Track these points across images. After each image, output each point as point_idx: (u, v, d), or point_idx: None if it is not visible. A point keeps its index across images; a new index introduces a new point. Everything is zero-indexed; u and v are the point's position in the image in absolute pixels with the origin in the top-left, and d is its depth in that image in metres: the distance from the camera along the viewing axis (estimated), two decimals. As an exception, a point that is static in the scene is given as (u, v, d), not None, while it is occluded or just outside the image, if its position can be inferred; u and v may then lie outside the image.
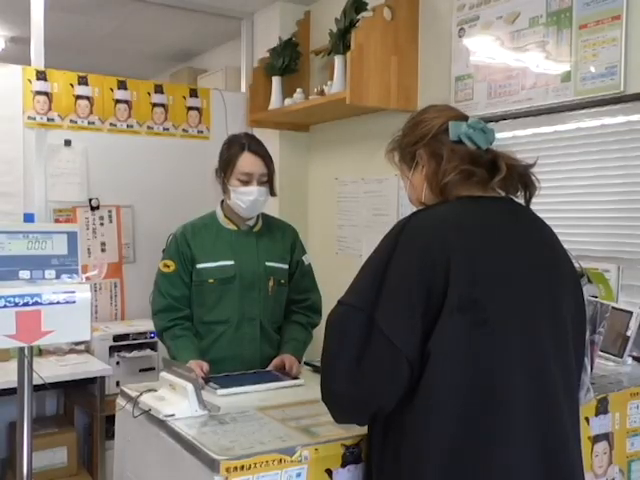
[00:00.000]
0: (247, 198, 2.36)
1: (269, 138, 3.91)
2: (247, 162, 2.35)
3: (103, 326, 3.56)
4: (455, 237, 1.33)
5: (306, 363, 2.43)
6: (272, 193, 2.43)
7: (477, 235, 1.36)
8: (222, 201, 2.50)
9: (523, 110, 2.81)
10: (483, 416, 1.28)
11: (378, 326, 1.30)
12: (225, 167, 2.39)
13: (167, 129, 3.96)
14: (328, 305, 1.46)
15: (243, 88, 4.33)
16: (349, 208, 3.80)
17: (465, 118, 1.51)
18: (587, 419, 1.84)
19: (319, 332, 1.45)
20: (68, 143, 3.65)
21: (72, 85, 3.66)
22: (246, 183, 2.36)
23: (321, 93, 3.55)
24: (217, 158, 2.45)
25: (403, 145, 1.55)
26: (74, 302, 1.74)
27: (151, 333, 3.49)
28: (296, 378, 2.21)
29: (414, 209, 1.50)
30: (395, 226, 1.40)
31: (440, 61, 3.19)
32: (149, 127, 3.90)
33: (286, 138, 4.11)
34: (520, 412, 1.30)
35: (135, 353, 3.46)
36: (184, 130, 4.01)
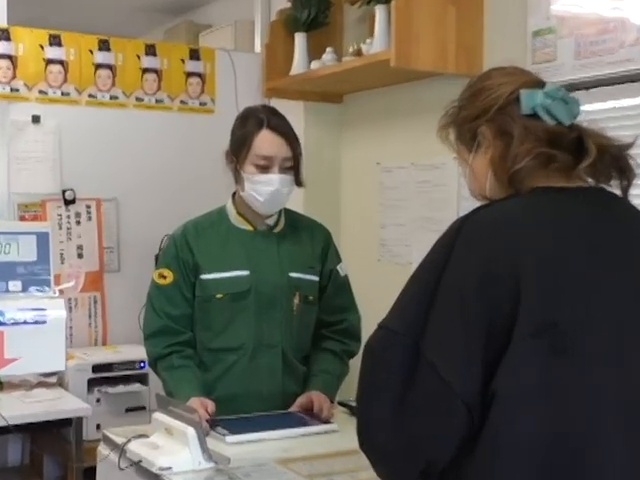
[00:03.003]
0: (266, 189, 2.36)
1: (291, 112, 3.87)
2: (266, 143, 2.36)
3: (80, 353, 3.58)
4: (528, 242, 1.32)
5: (340, 403, 2.43)
6: (298, 183, 2.43)
7: (557, 239, 1.35)
8: (234, 193, 2.51)
9: (621, 74, 2.77)
10: (566, 474, 1.26)
11: (426, 358, 1.30)
12: (238, 149, 2.39)
13: (161, 101, 3.98)
14: (368, 328, 1.45)
15: (257, 48, 4.34)
16: (395, 202, 3.79)
17: (541, 84, 1.49)
18: None
19: (358, 362, 1.45)
20: (36, 119, 3.69)
21: (42, 46, 3.69)
22: (265, 169, 2.36)
23: (358, 53, 3.54)
24: (226, 137, 2.46)
25: (460, 120, 1.54)
26: (45, 322, 1.75)
27: (141, 362, 3.50)
28: (328, 422, 2.20)
29: (478, 203, 1.49)
30: (450, 227, 1.40)
31: (512, 11, 3.17)
32: (138, 99, 3.92)
33: (313, 112, 4.11)
34: (617, 473, 1.28)
35: (121, 388, 3.48)
36: (182, 102, 4.03)
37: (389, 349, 1.35)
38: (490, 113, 1.48)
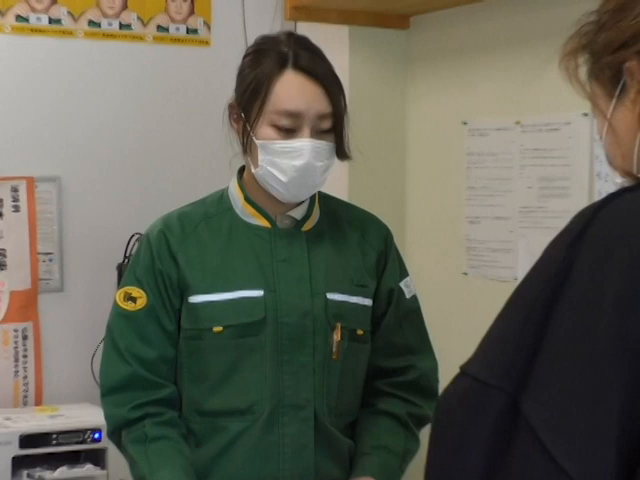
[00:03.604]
0: (291, 163, 2.36)
1: (330, 43, 3.88)
2: (292, 91, 2.37)
3: (0, 417, 3.61)
4: None
5: (406, 496, 2.43)
6: (340, 154, 2.44)
7: None
8: (241, 169, 2.53)
9: None
10: None
11: (529, 424, 1.29)
12: (249, 102, 2.40)
13: (127, 26, 4.02)
14: (447, 376, 1.46)
15: (276, -56, 4.36)
16: (491, 183, 3.78)
17: None
18: None
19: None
20: None
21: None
22: (290, 133, 2.37)
23: (434, -48, 3.54)
24: (230, 83, 2.48)
25: (598, 46, 1.51)
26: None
27: (95, 432, 3.52)
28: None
29: (619, 182, 1.50)
30: (572, 223, 1.38)
31: None
32: (92, 23, 3.96)
33: (363, 43, 4.12)
34: None
35: (63, 472, 3.50)
36: (161, 28, 4.07)
37: (475, 406, 1.35)
38: None
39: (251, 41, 2.59)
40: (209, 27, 4.13)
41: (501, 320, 1.40)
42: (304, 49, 2.43)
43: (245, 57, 2.49)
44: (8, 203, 3.84)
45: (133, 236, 3.51)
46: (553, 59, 1.59)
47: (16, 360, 3.85)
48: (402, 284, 2.57)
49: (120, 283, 2.57)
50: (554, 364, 1.31)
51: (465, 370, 1.38)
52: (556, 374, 1.31)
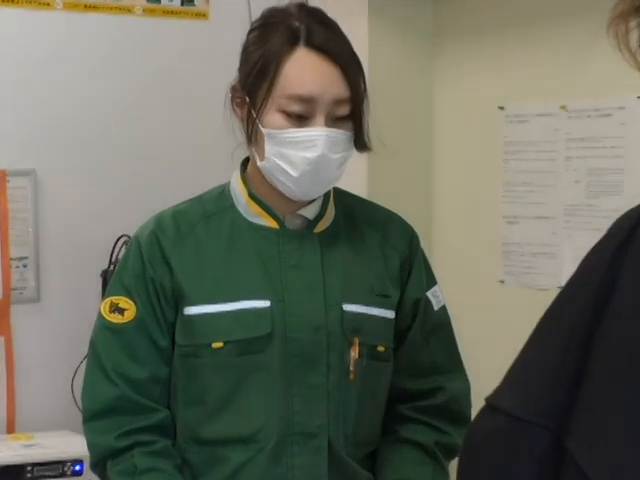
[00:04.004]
0: (303, 155, 2.37)
1: (347, 16, 3.89)
2: (305, 72, 2.37)
3: (-32, 446, 3.64)
4: None
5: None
6: (359, 144, 2.44)
7: None
8: (245, 162, 2.54)
9: None
10: None
11: (581, 471, 1.28)
12: (254, 84, 2.41)
13: (113, -3, 4.04)
14: (480, 400, 1.46)
15: None
16: (532, 178, 3.79)
17: None
18: None
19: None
20: None
21: None
22: (302, 120, 2.37)
23: None
24: (232, 63, 2.50)
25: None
26: None
27: (76, 463, 3.53)
28: None
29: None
30: (617, 227, 1.38)
31: None
32: (73, -7, 3.98)
33: (384, 15, 4.13)
34: None
35: (40, 508, 3.53)
36: (152, -1, 4.10)
37: (514, 450, 1.35)
38: None
39: (255, 13, 2.59)
40: (207, -2, 4.15)
41: (535, 344, 1.39)
42: (318, 23, 2.43)
43: (250, 33, 2.49)
44: (-25, 200, 3.86)
45: (120, 238, 3.52)
46: (604, 34, 1.59)
47: (-15, 381, 3.87)
48: (429, 294, 2.57)
49: (105, 292, 2.57)
50: (601, 396, 1.30)
51: (493, 404, 1.37)
52: (605, 409, 1.30)
